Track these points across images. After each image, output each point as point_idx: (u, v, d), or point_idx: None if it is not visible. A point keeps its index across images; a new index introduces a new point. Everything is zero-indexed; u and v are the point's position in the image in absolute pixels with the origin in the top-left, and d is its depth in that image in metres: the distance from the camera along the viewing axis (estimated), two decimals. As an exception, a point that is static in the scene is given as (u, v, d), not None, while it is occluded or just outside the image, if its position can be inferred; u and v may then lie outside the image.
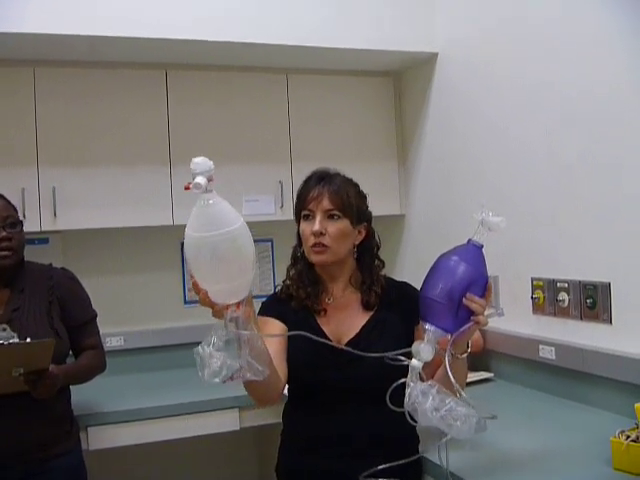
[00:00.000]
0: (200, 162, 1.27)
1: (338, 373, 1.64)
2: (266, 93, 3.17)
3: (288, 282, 1.81)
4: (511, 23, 2.54)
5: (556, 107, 2.32)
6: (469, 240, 1.51)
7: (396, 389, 1.60)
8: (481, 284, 1.50)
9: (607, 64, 2.10)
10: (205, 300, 1.34)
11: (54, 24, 2.49)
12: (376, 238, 1.83)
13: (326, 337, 1.69)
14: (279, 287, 1.84)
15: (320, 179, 1.74)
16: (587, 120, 2.19)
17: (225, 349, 1.31)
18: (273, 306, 1.78)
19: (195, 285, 1.34)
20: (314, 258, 1.72)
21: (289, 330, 1.73)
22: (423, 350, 1.44)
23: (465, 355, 1.56)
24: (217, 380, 1.30)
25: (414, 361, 1.44)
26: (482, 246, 1.50)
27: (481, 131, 2.76)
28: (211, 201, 1.27)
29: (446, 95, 3.04)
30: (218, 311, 1.35)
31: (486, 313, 1.50)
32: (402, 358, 1.45)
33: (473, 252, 1.50)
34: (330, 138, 3.25)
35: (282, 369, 1.66)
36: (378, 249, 1.83)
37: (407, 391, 1.42)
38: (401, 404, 1.43)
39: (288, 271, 1.83)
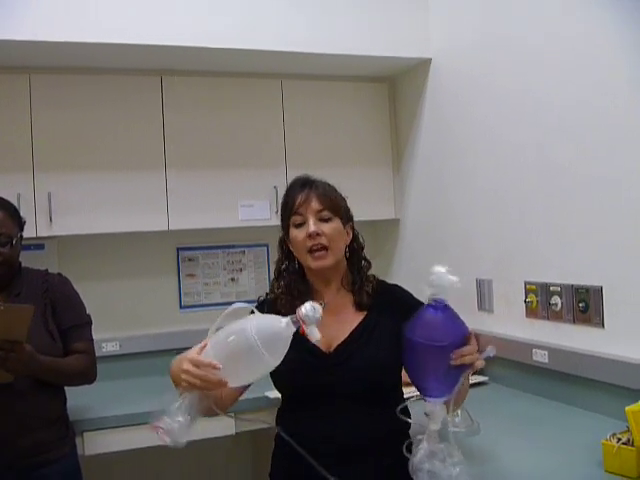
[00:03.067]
0: (317, 310, 1.36)
1: (326, 378, 1.63)
2: (261, 99, 3.19)
3: (273, 296, 1.77)
4: (505, 29, 2.56)
5: (549, 113, 2.34)
6: (430, 303, 1.40)
7: (392, 395, 1.61)
8: (463, 339, 1.41)
9: (601, 71, 2.12)
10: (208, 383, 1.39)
11: (49, 31, 2.50)
12: (360, 239, 1.82)
13: (315, 348, 1.67)
14: (265, 296, 1.81)
15: (303, 185, 1.73)
16: (580, 126, 2.21)
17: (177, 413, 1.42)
18: None
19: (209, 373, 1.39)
20: (314, 264, 1.68)
21: None
22: (436, 413, 1.41)
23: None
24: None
25: (432, 425, 1.41)
26: (445, 304, 1.40)
27: (475, 136, 2.78)
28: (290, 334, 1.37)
29: (440, 100, 3.06)
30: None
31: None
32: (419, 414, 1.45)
33: (443, 315, 1.40)
34: (325, 143, 3.27)
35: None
36: (362, 249, 1.81)
37: (420, 451, 1.40)
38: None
39: (273, 285, 1.80)
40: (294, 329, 1.35)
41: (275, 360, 1.37)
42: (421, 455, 1.38)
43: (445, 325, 1.40)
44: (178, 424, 1.38)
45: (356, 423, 1.60)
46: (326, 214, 1.69)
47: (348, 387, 1.63)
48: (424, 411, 1.42)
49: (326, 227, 1.68)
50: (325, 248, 1.67)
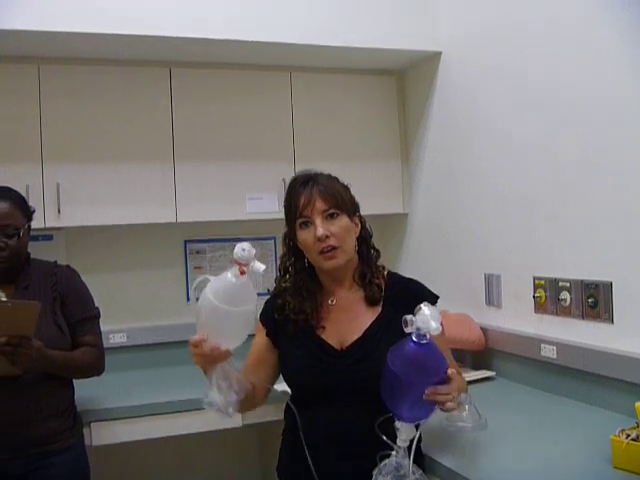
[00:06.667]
0: (246, 247, 1.42)
1: (339, 376, 1.63)
2: (269, 91, 3.18)
3: (279, 301, 1.75)
4: (514, 23, 2.54)
5: (559, 107, 2.32)
6: (412, 338, 1.40)
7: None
8: (438, 378, 1.42)
9: (608, 65, 2.10)
10: (210, 355, 1.45)
11: (58, 21, 2.50)
12: (368, 227, 1.78)
13: (328, 346, 1.68)
14: (272, 298, 1.80)
15: (305, 182, 1.68)
16: (589, 120, 2.19)
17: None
18: (270, 321, 1.78)
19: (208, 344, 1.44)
20: (327, 265, 1.66)
21: (280, 348, 1.77)
22: (404, 432, 1.44)
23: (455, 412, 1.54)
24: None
25: (399, 442, 1.45)
26: (427, 342, 1.40)
27: (484, 130, 2.76)
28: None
29: (449, 94, 3.04)
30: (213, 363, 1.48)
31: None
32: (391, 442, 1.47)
33: (423, 352, 1.41)
34: (333, 136, 3.25)
35: (263, 377, 1.74)
36: (371, 237, 1.79)
37: (385, 464, 1.45)
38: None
39: (280, 284, 1.77)
40: (243, 274, 1.42)
41: (247, 307, 1.44)
42: (382, 468, 1.44)
43: (421, 363, 1.41)
44: (218, 399, 1.47)
45: (362, 421, 1.58)
46: (332, 212, 1.65)
47: (360, 387, 1.61)
48: (395, 425, 1.46)
49: (334, 227, 1.64)
50: (336, 248, 1.64)
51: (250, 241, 1.45)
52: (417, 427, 1.46)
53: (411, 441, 1.45)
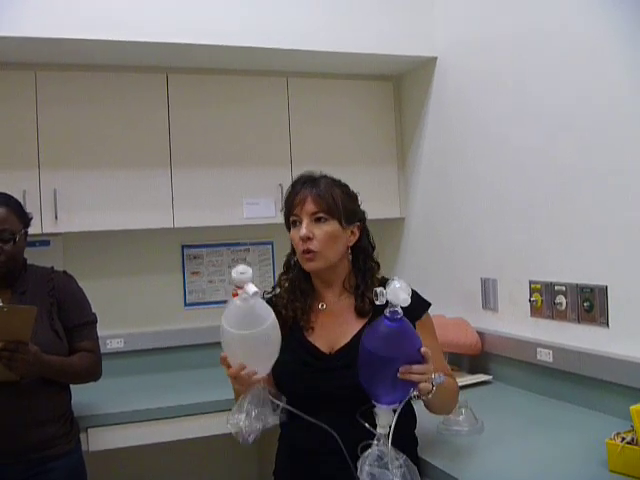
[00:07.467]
0: (242, 269, 1.44)
1: (328, 381, 1.63)
2: (266, 96, 3.19)
3: (277, 292, 1.78)
4: (510, 28, 2.55)
5: (554, 112, 2.33)
6: (386, 315, 1.42)
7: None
8: (413, 355, 1.44)
9: (605, 70, 2.11)
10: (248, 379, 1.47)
11: (55, 28, 2.51)
12: (370, 238, 1.79)
13: (315, 350, 1.68)
14: (272, 294, 1.80)
15: (304, 182, 1.71)
16: (584, 125, 2.20)
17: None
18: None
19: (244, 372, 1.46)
20: (306, 266, 1.69)
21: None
22: (383, 418, 1.45)
23: (430, 395, 1.49)
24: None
25: (379, 429, 1.45)
26: (400, 317, 1.41)
27: (480, 135, 2.77)
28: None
29: (445, 99, 3.05)
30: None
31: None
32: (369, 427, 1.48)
33: (396, 329, 1.42)
34: (330, 141, 3.26)
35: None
36: (373, 249, 1.79)
37: (367, 454, 1.44)
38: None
39: (280, 279, 1.80)
40: (247, 295, 1.41)
41: (260, 327, 1.44)
42: (366, 458, 1.43)
43: (395, 339, 1.42)
44: (243, 424, 1.48)
45: (360, 425, 1.57)
46: (321, 216, 1.66)
47: (348, 392, 1.60)
48: (374, 411, 1.47)
49: (318, 230, 1.66)
50: (314, 252, 1.66)
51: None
52: (395, 412, 1.45)
53: (391, 427, 1.45)
